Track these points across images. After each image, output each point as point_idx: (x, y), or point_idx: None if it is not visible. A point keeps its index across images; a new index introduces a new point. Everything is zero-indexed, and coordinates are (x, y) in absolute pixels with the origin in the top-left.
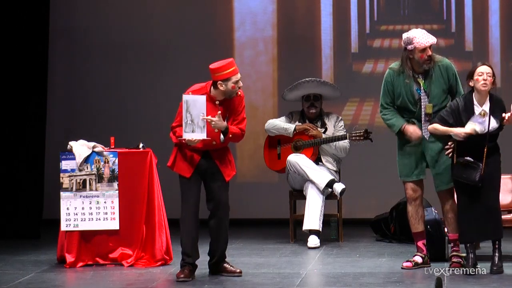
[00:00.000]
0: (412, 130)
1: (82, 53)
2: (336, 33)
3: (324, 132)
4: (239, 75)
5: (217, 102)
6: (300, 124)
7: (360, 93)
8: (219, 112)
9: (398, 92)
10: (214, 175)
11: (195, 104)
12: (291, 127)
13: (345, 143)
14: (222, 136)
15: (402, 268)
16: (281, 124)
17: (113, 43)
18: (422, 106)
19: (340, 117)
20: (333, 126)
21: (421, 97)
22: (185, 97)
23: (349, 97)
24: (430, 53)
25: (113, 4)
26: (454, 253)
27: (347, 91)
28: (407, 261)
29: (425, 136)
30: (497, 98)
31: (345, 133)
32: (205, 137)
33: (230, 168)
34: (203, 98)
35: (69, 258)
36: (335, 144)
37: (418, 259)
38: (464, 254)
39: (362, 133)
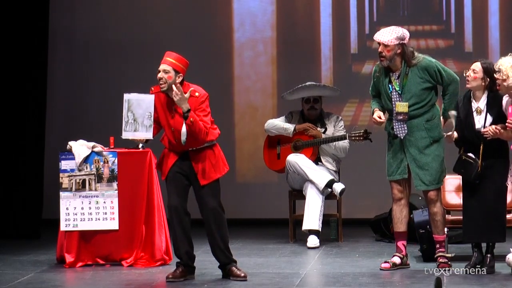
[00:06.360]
0: (375, 115)
1: (82, 53)
2: (336, 34)
3: (324, 132)
4: (161, 66)
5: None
6: (299, 124)
7: (360, 94)
8: (191, 90)
9: (380, 87)
10: (194, 178)
11: (139, 104)
12: (290, 127)
13: (344, 143)
14: (183, 137)
15: (380, 269)
16: (280, 124)
17: (112, 43)
18: (393, 104)
19: (340, 117)
20: (333, 126)
21: (392, 96)
22: (126, 96)
23: (349, 98)
24: (379, 50)
25: (112, 5)
26: (440, 254)
27: (346, 92)
28: (385, 262)
29: (399, 135)
30: (494, 95)
31: (345, 133)
32: (150, 137)
33: (213, 171)
34: (150, 98)
35: (69, 258)
36: (334, 144)
37: (397, 259)
38: (449, 255)
39: (361, 133)
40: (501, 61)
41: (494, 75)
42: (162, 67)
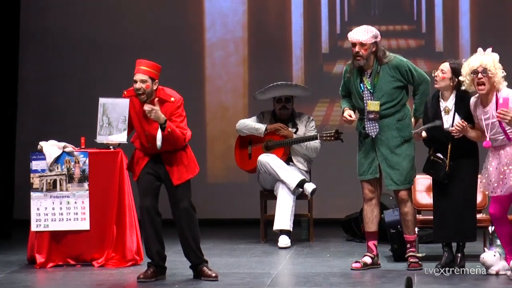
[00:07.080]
0: (346, 114)
1: (53, 54)
2: (307, 34)
3: (295, 132)
4: (137, 75)
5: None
6: (271, 124)
7: (331, 94)
8: (156, 100)
9: (350, 86)
10: (166, 179)
11: (114, 108)
12: (262, 127)
13: (316, 143)
14: (159, 143)
15: (351, 269)
16: (252, 124)
17: (84, 43)
18: (365, 103)
19: (312, 117)
20: (304, 126)
21: (364, 94)
22: (101, 100)
23: (320, 98)
24: (356, 49)
25: (83, 5)
26: (411, 254)
27: (318, 92)
28: (356, 261)
29: (371, 134)
30: (462, 94)
31: (316, 133)
32: (124, 141)
33: (185, 171)
34: (125, 102)
35: (40, 258)
36: (306, 144)
37: (368, 259)
38: (420, 255)
39: (333, 134)
40: (478, 61)
41: (480, 75)
42: (139, 77)
